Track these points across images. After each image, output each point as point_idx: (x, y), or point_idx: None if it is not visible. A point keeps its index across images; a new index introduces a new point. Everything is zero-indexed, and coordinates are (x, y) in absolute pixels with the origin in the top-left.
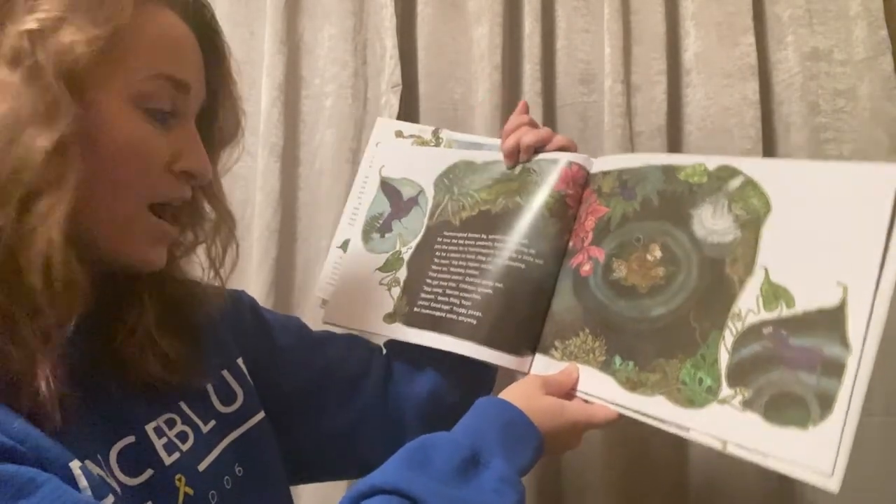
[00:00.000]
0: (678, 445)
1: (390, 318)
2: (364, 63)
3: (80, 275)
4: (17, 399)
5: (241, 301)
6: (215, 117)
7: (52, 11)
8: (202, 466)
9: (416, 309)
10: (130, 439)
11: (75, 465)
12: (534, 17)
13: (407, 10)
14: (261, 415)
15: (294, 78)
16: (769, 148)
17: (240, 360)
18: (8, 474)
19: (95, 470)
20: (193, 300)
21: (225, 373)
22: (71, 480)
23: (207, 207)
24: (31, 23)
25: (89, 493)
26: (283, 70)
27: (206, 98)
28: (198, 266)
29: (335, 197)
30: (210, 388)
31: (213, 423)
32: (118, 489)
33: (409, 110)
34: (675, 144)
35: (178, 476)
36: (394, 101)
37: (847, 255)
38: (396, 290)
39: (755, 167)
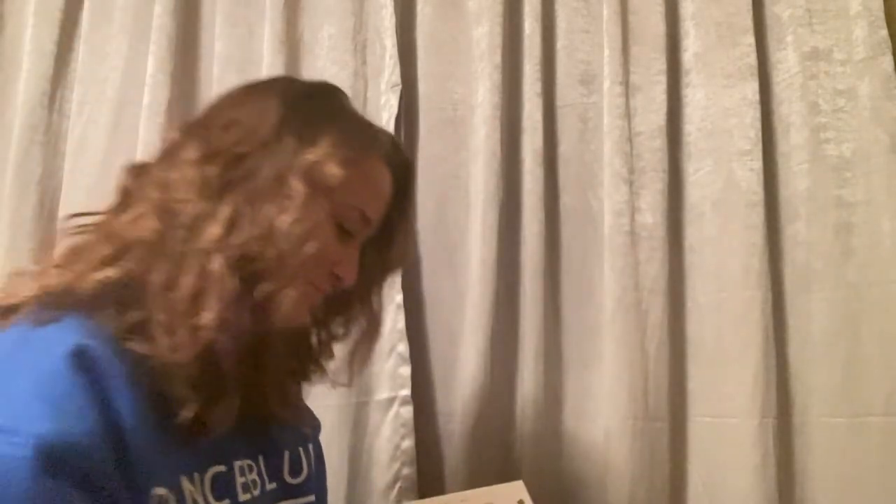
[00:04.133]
0: (677, 447)
1: None
2: (364, 63)
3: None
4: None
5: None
6: (391, 243)
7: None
8: None
9: None
10: (222, 468)
11: (159, 489)
12: (534, 17)
13: (407, 10)
14: (312, 497)
15: None
16: (769, 148)
17: (312, 446)
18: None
19: (188, 487)
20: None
21: (301, 448)
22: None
23: (359, 311)
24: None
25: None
26: (283, 70)
27: (382, 227)
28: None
29: None
30: (286, 455)
31: (275, 485)
32: None
33: (409, 110)
34: (674, 144)
35: None
36: (393, 101)
37: None
38: None
39: None
